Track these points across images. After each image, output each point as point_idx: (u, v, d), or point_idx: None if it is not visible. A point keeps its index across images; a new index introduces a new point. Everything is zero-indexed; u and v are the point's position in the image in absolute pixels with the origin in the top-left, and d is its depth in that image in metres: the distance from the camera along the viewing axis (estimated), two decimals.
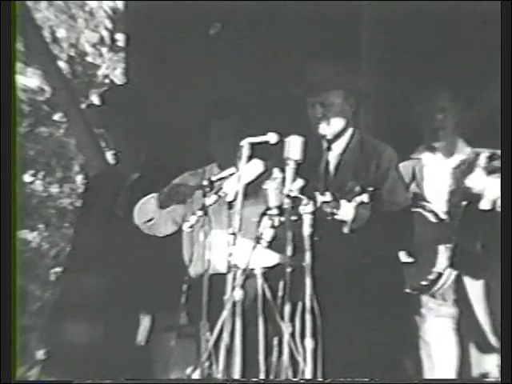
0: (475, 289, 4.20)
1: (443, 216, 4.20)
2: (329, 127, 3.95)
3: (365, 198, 3.61)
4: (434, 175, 4.31)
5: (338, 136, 3.98)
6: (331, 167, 3.97)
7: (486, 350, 4.21)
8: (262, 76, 5.50)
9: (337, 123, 3.95)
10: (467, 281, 4.19)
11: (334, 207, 3.59)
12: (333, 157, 3.98)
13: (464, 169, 4.20)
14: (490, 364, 4.20)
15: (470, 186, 4.01)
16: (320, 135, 3.95)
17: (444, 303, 4.24)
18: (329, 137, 3.96)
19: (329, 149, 3.97)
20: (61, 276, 4.87)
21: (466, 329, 4.24)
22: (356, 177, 3.82)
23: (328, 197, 3.57)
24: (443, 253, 4.13)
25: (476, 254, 4.09)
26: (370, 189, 3.61)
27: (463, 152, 4.30)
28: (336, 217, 3.62)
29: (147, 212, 4.16)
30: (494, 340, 4.17)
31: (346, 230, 3.69)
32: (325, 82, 3.91)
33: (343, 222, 3.67)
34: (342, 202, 3.62)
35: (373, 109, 5.02)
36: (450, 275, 4.16)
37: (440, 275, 4.15)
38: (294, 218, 3.43)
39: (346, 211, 3.63)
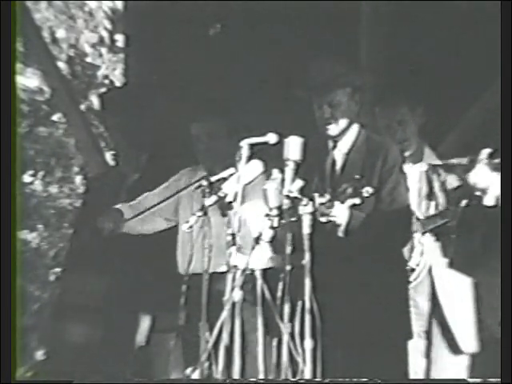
0: (462, 287, 4.21)
1: (418, 214, 4.22)
2: (337, 127, 3.91)
3: (357, 200, 3.60)
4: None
5: (343, 134, 3.95)
6: (338, 166, 3.95)
7: (455, 352, 4.21)
8: (262, 76, 5.51)
9: (344, 122, 3.92)
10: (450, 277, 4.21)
11: (328, 208, 3.58)
12: (339, 156, 3.96)
13: (440, 170, 4.22)
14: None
15: (473, 182, 3.99)
16: (328, 136, 3.92)
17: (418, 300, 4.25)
18: (337, 136, 3.93)
19: (335, 148, 3.95)
20: (60, 276, 4.85)
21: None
22: (363, 175, 3.79)
23: (324, 198, 3.56)
24: (417, 248, 4.15)
25: (475, 253, 4.09)
26: (366, 192, 3.60)
27: (430, 158, 4.33)
28: (330, 219, 3.61)
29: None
30: (462, 343, 4.18)
31: (340, 233, 3.69)
32: (330, 81, 3.88)
33: (338, 226, 3.67)
34: (336, 203, 3.60)
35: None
36: (422, 270, 4.18)
37: (413, 270, 4.16)
38: (293, 218, 3.44)
39: (340, 214, 3.63)
